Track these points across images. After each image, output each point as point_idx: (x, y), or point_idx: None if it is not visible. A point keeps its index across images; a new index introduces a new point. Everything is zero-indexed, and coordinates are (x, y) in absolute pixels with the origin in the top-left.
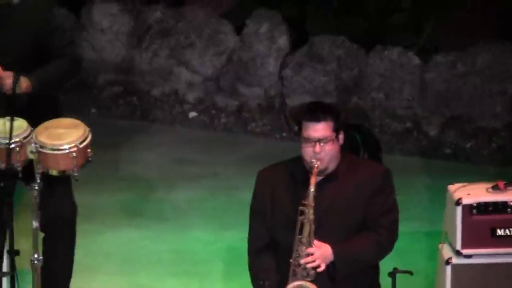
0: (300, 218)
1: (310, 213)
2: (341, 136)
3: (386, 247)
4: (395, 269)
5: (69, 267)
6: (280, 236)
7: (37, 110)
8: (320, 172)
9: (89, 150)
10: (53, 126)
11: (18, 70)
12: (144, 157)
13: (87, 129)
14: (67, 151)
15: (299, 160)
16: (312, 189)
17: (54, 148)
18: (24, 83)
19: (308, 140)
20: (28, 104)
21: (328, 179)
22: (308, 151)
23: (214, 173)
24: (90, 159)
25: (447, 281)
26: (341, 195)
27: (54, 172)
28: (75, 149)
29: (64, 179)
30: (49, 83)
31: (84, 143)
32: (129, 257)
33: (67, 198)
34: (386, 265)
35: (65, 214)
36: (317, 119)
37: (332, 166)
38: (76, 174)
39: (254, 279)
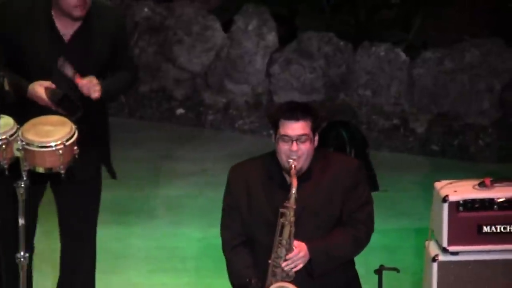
0: (281, 220)
1: (291, 215)
2: (316, 138)
3: (363, 241)
4: (381, 266)
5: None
6: (257, 235)
7: (24, 107)
8: (296, 172)
9: (75, 148)
10: (39, 123)
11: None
12: (132, 154)
13: (74, 126)
14: (53, 148)
15: (272, 157)
16: (293, 191)
17: (40, 145)
18: (98, 87)
19: (286, 138)
20: (17, 101)
21: (302, 178)
22: (284, 149)
23: (202, 170)
24: (76, 156)
25: (433, 278)
26: (316, 193)
27: (40, 170)
28: (62, 146)
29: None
30: (114, 93)
31: (71, 141)
32: (118, 254)
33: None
34: (372, 262)
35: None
36: (296, 118)
37: (306, 165)
38: (62, 171)
39: (235, 275)
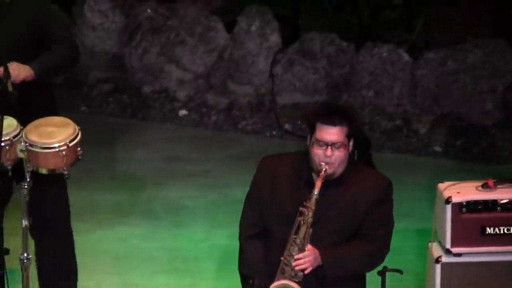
0: (299, 218)
1: (309, 215)
2: (351, 143)
3: (377, 259)
4: (384, 267)
5: (72, 267)
6: (275, 228)
7: (30, 106)
8: (327, 176)
9: (79, 149)
10: (43, 125)
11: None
12: (135, 155)
13: (77, 127)
14: (57, 149)
15: (304, 156)
16: (316, 192)
17: (44, 146)
18: (26, 71)
19: (321, 142)
20: (22, 101)
21: (332, 183)
22: (318, 153)
23: (205, 171)
24: (80, 157)
25: (436, 280)
26: (341, 201)
27: (44, 171)
28: (65, 147)
29: (58, 180)
30: (50, 69)
31: (74, 142)
32: (121, 255)
33: (60, 199)
34: None
35: (58, 219)
36: (333, 123)
37: (339, 171)
38: (66, 172)
39: (245, 266)
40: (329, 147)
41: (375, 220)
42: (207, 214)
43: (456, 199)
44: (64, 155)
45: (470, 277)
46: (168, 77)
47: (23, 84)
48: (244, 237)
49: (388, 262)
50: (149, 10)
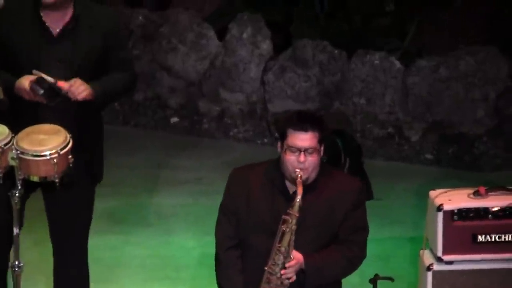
0: (282, 227)
1: (293, 223)
2: (322, 149)
3: (355, 264)
4: (376, 275)
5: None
6: (253, 240)
7: (18, 115)
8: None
9: (70, 157)
10: (34, 132)
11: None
12: (126, 162)
13: (68, 135)
14: (48, 157)
15: (275, 164)
16: (298, 198)
17: (35, 154)
18: (87, 90)
19: (293, 148)
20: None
21: (306, 189)
22: (291, 160)
23: (197, 179)
24: (71, 165)
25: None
26: (318, 207)
27: (35, 178)
28: (56, 155)
29: (88, 188)
30: (110, 94)
31: (65, 149)
32: (112, 263)
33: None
34: (367, 271)
35: (79, 227)
36: (305, 129)
37: (312, 177)
38: (57, 180)
39: (224, 276)
40: (302, 153)
41: (353, 224)
42: (199, 222)
43: (447, 206)
44: (55, 162)
45: (461, 285)
46: (160, 85)
47: (81, 103)
48: (222, 249)
49: (379, 269)
50: (140, 17)
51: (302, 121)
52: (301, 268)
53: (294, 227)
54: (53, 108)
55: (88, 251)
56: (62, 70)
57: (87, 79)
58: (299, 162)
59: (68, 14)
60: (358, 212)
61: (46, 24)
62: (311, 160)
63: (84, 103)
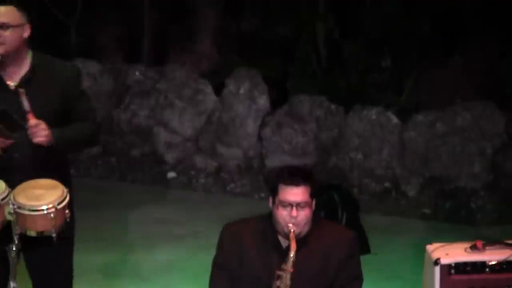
0: (276, 282)
1: (287, 278)
2: (314, 202)
3: None
4: None
5: None
6: None
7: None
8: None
9: (67, 211)
10: (31, 187)
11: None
12: (123, 218)
13: (65, 190)
14: (45, 212)
15: (267, 219)
16: (292, 254)
17: (32, 209)
18: (47, 136)
19: (285, 203)
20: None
21: (300, 243)
22: (284, 215)
23: (194, 233)
24: (68, 220)
25: None
26: (311, 260)
27: (32, 233)
28: (53, 210)
29: (65, 244)
30: (70, 142)
31: (62, 204)
32: None
33: (65, 264)
34: None
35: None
36: (297, 184)
37: (305, 231)
38: (54, 235)
39: None
40: (294, 207)
41: (347, 274)
42: (197, 277)
43: (444, 260)
44: (53, 217)
45: None
46: (157, 140)
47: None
48: None
49: None
50: (137, 73)
51: (293, 176)
52: None
53: (288, 282)
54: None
55: None
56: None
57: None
58: (291, 217)
59: (24, 67)
60: (352, 262)
61: (3, 77)
62: (304, 214)
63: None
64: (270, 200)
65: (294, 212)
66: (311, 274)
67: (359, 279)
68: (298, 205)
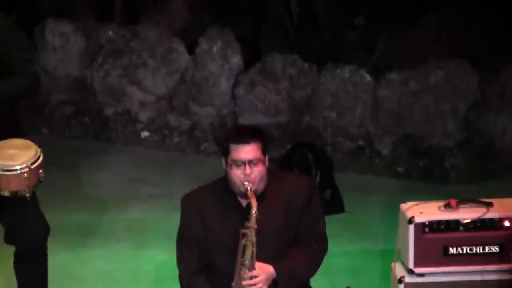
0: (242, 241)
1: (252, 235)
2: (266, 159)
3: (319, 260)
4: None
5: None
6: (217, 261)
7: None
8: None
9: (40, 171)
10: (4, 147)
11: None
12: (97, 177)
13: (39, 150)
14: (18, 171)
15: (223, 183)
16: (254, 210)
17: (5, 169)
18: None
19: (238, 162)
20: None
21: (258, 200)
22: (238, 174)
23: (168, 193)
24: (42, 179)
25: None
26: (273, 213)
27: (6, 193)
28: (27, 169)
29: (32, 201)
30: (6, 98)
31: (36, 164)
32: (82, 277)
33: (40, 218)
34: (339, 284)
35: (39, 235)
36: (247, 141)
37: (261, 188)
38: (28, 194)
39: None
40: (247, 165)
41: (308, 222)
42: (170, 236)
43: (418, 219)
44: (26, 177)
45: None
46: (130, 99)
47: None
48: (185, 278)
49: (352, 282)
50: (110, 32)
51: (242, 134)
52: (272, 278)
53: (254, 239)
54: None
55: (47, 258)
56: None
57: None
58: (245, 175)
59: None
60: (311, 208)
61: None
62: (257, 171)
63: None
64: (223, 161)
65: (248, 170)
66: (275, 227)
67: (318, 225)
68: (250, 162)
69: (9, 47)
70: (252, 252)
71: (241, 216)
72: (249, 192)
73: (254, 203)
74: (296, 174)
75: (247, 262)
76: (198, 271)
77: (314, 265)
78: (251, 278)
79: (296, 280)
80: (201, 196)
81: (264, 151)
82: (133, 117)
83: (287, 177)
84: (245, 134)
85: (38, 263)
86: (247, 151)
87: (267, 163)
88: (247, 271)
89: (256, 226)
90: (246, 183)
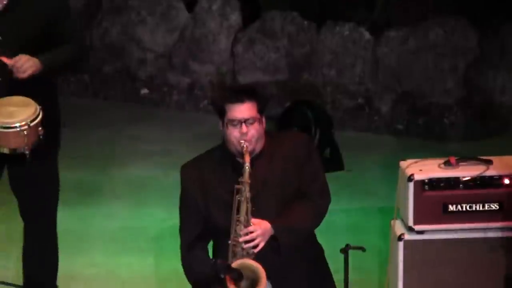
0: (236, 197)
1: (246, 190)
2: (263, 119)
3: (321, 212)
4: (347, 245)
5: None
6: (219, 222)
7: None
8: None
9: (40, 128)
10: (3, 105)
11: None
12: (96, 135)
13: (38, 107)
14: (18, 129)
15: (221, 148)
16: (247, 165)
17: (4, 126)
18: (34, 65)
19: (234, 121)
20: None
21: (257, 158)
22: (234, 133)
23: (167, 151)
24: (41, 137)
25: (399, 257)
26: (272, 170)
27: (5, 150)
28: (26, 127)
29: (51, 158)
30: (57, 66)
31: (35, 121)
32: (82, 234)
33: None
34: (338, 241)
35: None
36: (242, 100)
37: (259, 147)
38: (27, 152)
39: (189, 271)
40: (243, 124)
41: (308, 177)
42: (169, 194)
43: (418, 176)
44: (26, 134)
45: (432, 255)
46: (129, 57)
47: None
48: (185, 246)
49: (351, 240)
50: None
51: (237, 93)
52: (270, 234)
53: (248, 194)
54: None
55: (57, 222)
56: (6, 45)
57: (31, 53)
58: (242, 134)
59: None
60: (311, 163)
61: None
62: (254, 130)
63: (37, 81)
64: (220, 123)
65: (244, 129)
66: (275, 186)
67: (318, 178)
68: (246, 121)
69: (59, 16)
70: (247, 208)
71: (240, 175)
72: (245, 150)
73: (246, 159)
74: (293, 131)
75: (242, 218)
76: (198, 239)
77: (316, 217)
78: (247, 233)
79: (297, 233)
80: (199, 163)
81: (260, 111)
82: (132, 74)
83: (284, 136)
84: (240, 93)
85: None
86: (243, 110)
87: (264, 123)
88: (242, 227)
89: (249, 181)
90: (242, 141)
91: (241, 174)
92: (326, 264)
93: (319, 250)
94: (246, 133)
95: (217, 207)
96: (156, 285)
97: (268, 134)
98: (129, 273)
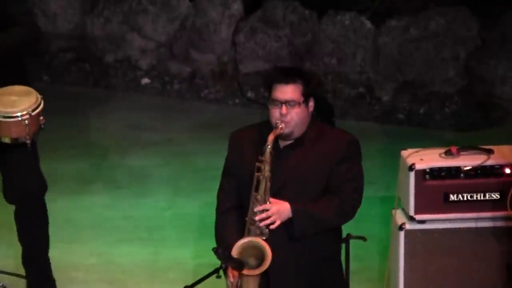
0: (256, 174)
1: (266, 169)
2: (311, 103)
3: (347, 212)
4: (348, 234)
5: (46, 240)
6: (245, 195)
7: (3, 77)
8: (285, 136)
9: (41, 118)
10: (5, 94)
11: None
12: (97, 124)
13: (40, 96)
14: (19, 118)
15: (267, 123)
16: (269, 145)
17: (6, 115)
18: None
19: (275, 101)
20: None
21: (294, 145)
22: (274, 113)
23: (168, 140)
24: (42, 126)
25: (400, 247)
26: (304, 162)
27: (6, 140)
28: (28, 116)
29: (30, 153)
30: (7, 48)
31: (37, 111)
32: (83, 224)
33: (35, 172)
34: None
35: (34, 189)
36: (286, 81)
37: (298, 132)
38: (28, 141)
39: (219, 238)
40: (284, 105)
41: (341, 176)
42: (170, 183)
43: (419, 166)
44: (27, 124)
45: (433, 244)
46: (130, 46)
47: None
48: (219, 211)
49: (352, 229)
50: None
51: (283, 74)
52: (288, 217)
53: (267, 173)
54: None
55: (46, 206)
56: None
57: None
58: (281, 115)
59: None
60: (346, 165)
61: None
62: (294, 113)
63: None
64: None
65: (284, 110)
66: (303, 176)
67: (353, 181)
68: (287, 102)
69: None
70: (266, 186)
71: (275, 156)
72: (277, 130)
73: (270, 139)
74: (343, 130)
75: (259, 197)
76: (232, 206)
77: (339, 214)
78: (262, 211)
79: (315, 221)
80: (245, 133)
81: (305, 95)
82: (133, 64)
83: (332, 132)
84: (287, 74)
85: (37, 217)
86: (285, 91)
87: (310, 109)
88: (259, 205)
89: (269, 161)
90: (279, 122)
91: (277, 156)
92: (339, 269)
93: (335, 252)
94: (285, 115)
95: (246, 181)
96: (156, 274)
97: (317, 124)
98: (129, 262)
